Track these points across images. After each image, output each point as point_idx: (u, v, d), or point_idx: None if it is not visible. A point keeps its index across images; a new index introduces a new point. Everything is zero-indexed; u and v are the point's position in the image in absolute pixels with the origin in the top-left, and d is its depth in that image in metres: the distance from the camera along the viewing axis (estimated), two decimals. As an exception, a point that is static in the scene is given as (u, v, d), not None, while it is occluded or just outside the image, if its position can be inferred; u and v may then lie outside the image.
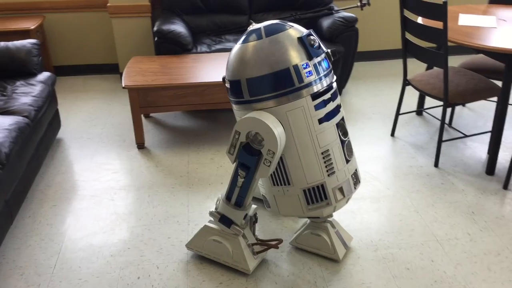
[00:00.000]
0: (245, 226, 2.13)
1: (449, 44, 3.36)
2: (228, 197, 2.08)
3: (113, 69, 4.54)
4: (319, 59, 1.88)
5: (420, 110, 3.57)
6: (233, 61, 1.90)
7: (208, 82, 3.02)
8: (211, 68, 3.23)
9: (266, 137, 1.83)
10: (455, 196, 2.64)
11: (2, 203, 2.28)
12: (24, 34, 3.83)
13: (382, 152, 3.10)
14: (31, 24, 3.94)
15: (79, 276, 2.14)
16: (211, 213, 2.13)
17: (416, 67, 4.53)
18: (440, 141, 2.89)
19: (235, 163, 1.98)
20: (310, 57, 1.84)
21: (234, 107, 1.99)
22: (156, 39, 3.55)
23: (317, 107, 1.88)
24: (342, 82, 3.87)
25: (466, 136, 3.01)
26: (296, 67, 1.81)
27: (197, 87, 3.06)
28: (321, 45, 1.93)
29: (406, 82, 3.10)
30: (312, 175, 1.95)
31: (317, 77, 1.86)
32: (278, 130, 1.82)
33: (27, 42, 3.16)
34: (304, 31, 1.89)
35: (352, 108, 3.73)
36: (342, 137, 1.98)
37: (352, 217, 2.50)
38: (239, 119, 1.88)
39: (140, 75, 3.12)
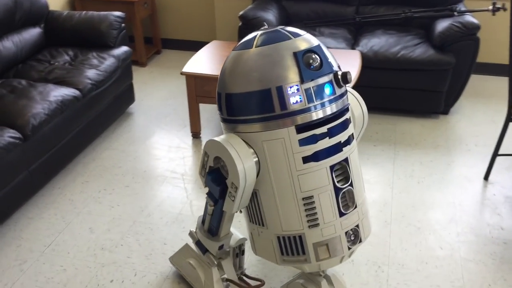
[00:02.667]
0: (224, 257, 1.86)
1: None
2: (203, 220, 1.82)
3: (217, 48, 4.46)
4: (317, 82, 1.47)
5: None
6: (221, 70, 1.61)
7: (267, 80, 2.71)
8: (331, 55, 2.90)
9: (229, 168, 1.51)
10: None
11: (25, 173, 2.35)
12: (128, 4, 3.92)
13: (461, 198, 2.48)
14: (139, -4, 4.03)
15: (62, 262, 2.10)
16: (190, 233, 1.90)
17: None
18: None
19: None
20: (302, 80, 1.45)
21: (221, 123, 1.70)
22: (240, 24, 3.33)
23: (303, 143, 1.49)
24: (450, 98, 3.20)
25: None
26: (280, 89, 1.44)
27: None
28: (328, 64, 1.51)
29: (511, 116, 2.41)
30: (288, 222, 1.58)
31: (308, 105, 1.46)
32: (245, 163, 1.48)
33: (111, 14, 3.20)
34: (307, 45, 1.50)
35: (453, 133, 3.07)
36: (337, 184, 1.56)
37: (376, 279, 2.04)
38: (209, 139, 1.59)
39: (206, 61, 2.95)
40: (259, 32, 1.56)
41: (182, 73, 2.83)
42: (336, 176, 1.55)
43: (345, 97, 1.56)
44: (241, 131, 1.52)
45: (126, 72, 3.20)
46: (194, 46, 4.48)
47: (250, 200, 1.62)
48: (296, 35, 1.52)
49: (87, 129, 2.84)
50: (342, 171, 1.57)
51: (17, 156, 2.26)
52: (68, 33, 3.18)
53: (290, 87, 1.44)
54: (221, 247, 1.81)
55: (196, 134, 3.06)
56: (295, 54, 1.46)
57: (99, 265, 2.08)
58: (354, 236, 1.62)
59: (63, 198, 2.51)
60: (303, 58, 1.46)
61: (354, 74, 2.73)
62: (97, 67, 2.91)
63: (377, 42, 3.19)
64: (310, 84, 1.45)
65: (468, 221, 2.32)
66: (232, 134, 1.54)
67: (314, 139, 1.48)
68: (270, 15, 3.33)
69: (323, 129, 1.49)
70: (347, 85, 1.82)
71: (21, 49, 2.99)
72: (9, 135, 2.21)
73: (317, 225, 1.55)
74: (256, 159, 1.51)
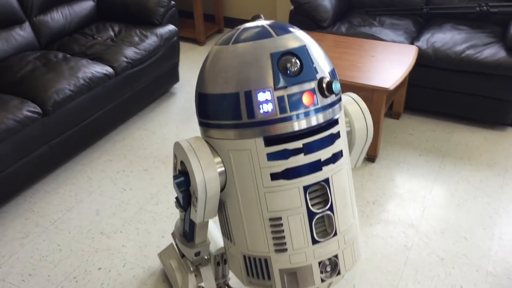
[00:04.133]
0: (204, 264, 1.73)
1: None
2: (179, 224, 1.71)
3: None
4: (292, 90, 1.27)
5: None
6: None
7: (301, 72, 2.50)
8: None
9: (190, 176, 1.37)
10: None
11: (46, 147, 2.39)
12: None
13: (505, 230, 2.12)
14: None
15: (61, 242, 2.11)
16: (172, 234, 1.80)
17: None
18: None
19: None
20: (274, 86, 1.26)
21: None
22: (291, 8, 3.11)
23: (272, 157, 1.30)
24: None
25: None
26: (248, 94, 1.26)
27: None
28: (311, 70, 1.29)
29: None
30: (254, 242, 1.41)
31: (280, 116, 1.27)
32: (206, 173, 1.33)
33: (160, -9, 3.14)
34: (288, 46, 1.29)
35: (519, 149, 2.65)
36: (311, 207, 1.35)
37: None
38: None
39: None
40: (242, 26, 1.38)
41: (216, 58, 2.69)
42: (311, 198, 1.35)
43: (332, 108, 1.34)
44: (210, 136, 1.37)
45: (170, 52, 3.14)
46: (257, 27, 4.31)
47: (219, 211, 1.47)
48: (281, 32, 1.32)
49: (122, 107, 2.83)
50: (320, 193, 1.37)
51: (36, 130, 2.30)
52: (118, 8, 3.18)
53: (261, 93, 1.25)
54: (197, 254, 1.69)
55: (229, 122, 2.94)
56: (272, 56, 1.26)
57: (93, 250, 2.06)
58: (331, 268, 1.42)
59: (82, 175, 2.53)
60: (279, 61, 1.26)
61: (400, 73, 2.43)
62: (136, 45, 2.87)
63: (441, 38, 2.82)
64: (284, 92, 1.26)
65: (505, 259, 1.97)
66: (199, 138, 1.39)
67: (285, 154, 1.29)
68: (326, 1, 3.07)
69: (297, 143, 1.29)
70: (348, 94, 1.58)
71: (70, 21, 3.04)
72: (28, 109, 2.25)
73: (284, 250, 1.37)
74: (222, 169, 1.35)
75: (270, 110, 1.26)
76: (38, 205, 2.32)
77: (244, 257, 1.45)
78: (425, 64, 2.77)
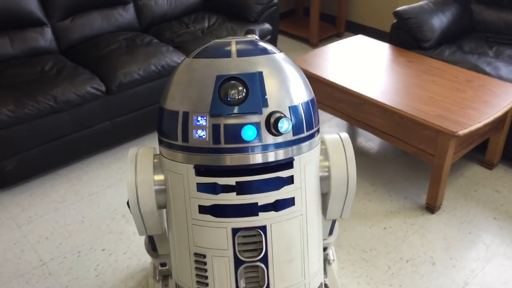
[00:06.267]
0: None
1: None
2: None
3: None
4: (231, 121, 1.12)
5: None
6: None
7: (366, 96, 2.23)
8: (405, 85, 2.35)
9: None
10: None
11: (108, 123, 2.54)
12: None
13: None
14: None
15: (86, 214, 2.24)
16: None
17: None
18: None
19: None
20: (211, 111, 1.12)
21: None
22: (394, 21, 2.79)
23: (201, 189, 1.18)
24: None
25: None
26: (186, 116, 1.15)
27: (352, 96, 2.32)
28: (258, 102, 1.12)
29: None
30: (182, 274, 1.30)
31: (213, 146, 1.13)
32: (140, 189, 1.25)
33: (262, -12, 3.07)
34: (238, 70, 1.14)
35: None
36: (239, 254, 1.20)
37: None
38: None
39: (330, 57, 2.60)
40: (214, 40, 1.26)
41: (289, 65, 2.56)
42: (241, 243, 1.20)
43: (286, 149, 1.16)
44: (160, 152, 1.29)
45: (260, 50, 3.07)
46: (379, 35, 3.99)
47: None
48: (245, 53, 1.17)
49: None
50: (254, 240, 1.20)
51: (99, 106, 2.45)
52: (221, 0, 3.21)
53: (197, 118, 1.14)
54: (163, 265, 1.64)
55: (296, 133, 2.78)
56: (217, 78, 1.13)
57: (108, 230, 2.14)
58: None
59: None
60: (222, 86, 1.12)
61: (485, 117, 2.01)
62: (222, 40, 2.87)
63: None
64: (222, 121, 1.12)
65: None
66: (150, 151, 1.32)
67: (215, 189, 1.16)
68: (436, 19, 2.69)
69: (230, 180, 1.15)
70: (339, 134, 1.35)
71: (173, 8, 3.16)
72: (93, 86, 2.40)
73: (206, 291, 1.24)
74: (161, 187, 1.27)
75: (203, 137, 1.13)
76: (88, 175, 2.49)
77: (176, 284, 1.35)
78: (534, 111, 2.26)
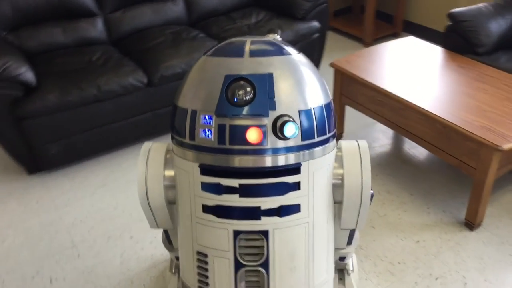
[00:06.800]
0: (189, 270, 1.68)
1: None
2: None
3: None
4: (234, 121, 1.10)
5: None
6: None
7: (407, 101, 2.13)
8: (452, 91, 2.22)
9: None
10: None
11: (149, 114, 2.60)
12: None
13: None
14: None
15: (121, 201, 2.30)
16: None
17: None
18: None
19: None
20: (217, 111, 1.11)
21: None
22: (448, 23, 2.64)
23: (206, 188, 1.17)
24: None
25: None
26: (194, 114, 1.15)
27: (394, 101, 2.22)
28: (264, 105, 1.09)
29: None
30: (186, 270, 1.31)
31: (218, 146, 1.12)
32: (149, 184, 1.26)
33: (314, -15, 3.01)
34: (249, 71, 1.11)
35: None
36: (239, 257, 1.18)
37: None
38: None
39: (373, 57, 2.51)
40: (230, 39, 1.25)
41: (331, 65, 2.50)
42: (243, 246, 1.18)
43: (295, 153, 1.13)
44: (172, 149, 1.29)
45: (307, 49, 3.03)
46: (439, 37, 3.81)
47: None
48: (258, 54, 1.15)
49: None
50: (256, 244, 1.18)
51: (141, 97, 2.51)
52: (273, -4, 3.18)
53: (204, 117, 1.13)
54: (178, 258, 1.65)
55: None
56: (225, 78, 1.12)
57: (139, 218, 2.19)
58: (256, 332, 1.23)
59: (176, 148, 2.68)
60: (229, 86, 1.11)
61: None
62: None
63: None
64: (228, 121, 1.10)
65: None
66: (162, 146, 1.32)
67: (219, 189, 1.15)
68: (494, 23, 2.52)
69: (233, 182, 1.14)
70: (345, 140, 1.29)
71: (223, 3, 3.17)
72: (135, 77, 2.46)
73: (206, 292, 1.24)
74: (172, 183, 1.28)
75: (208, 136, 1.12)
76: (128, 162, 2.56)
77: (183, 282, 1.36)
78: None
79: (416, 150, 2.61)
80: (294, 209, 1.16)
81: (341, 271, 1.70)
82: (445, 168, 2.45)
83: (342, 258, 1.61)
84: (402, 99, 2.15)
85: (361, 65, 2.44)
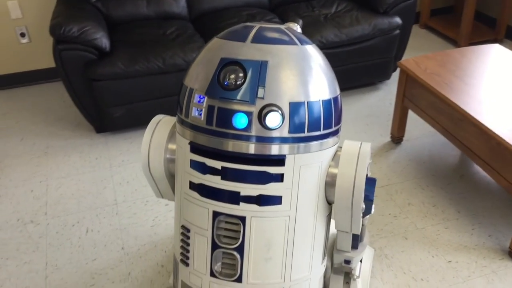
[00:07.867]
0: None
1: None
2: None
3: None
4: (223, 104, 1.11)
5: None
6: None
7: (464, 111, 1.97)
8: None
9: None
10: None
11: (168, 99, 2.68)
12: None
13: None
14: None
15: (143, 175, 2.41)
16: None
17: None
18: None
19: None
20: (207, 92, 1.13)
21: None
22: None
23: (193, 165, 1.21)
24: None
25: None
26: (191, 92, 1.19)
27: (452, 109, 2.06)
28: (253, 92, 1.09)
29: None
30: (175, 242, 1.36)
31: (206, 126, 1.15)
32: (152, 154, 1.32)
33: (401, -21, 2.86)
34: (244, 56, 1.12)
35: None
36: (216, 238, 1.20)
37: None
38: None
39: (453, 61, 2.35)
40: (242, 24, 1.26)
41: (398, 64, 2.38)
42: (219, 228, 1.21)
43: (280, 145, 1.12)
44: (176, 125, 1.34)
45: (385, 45, 2.90)
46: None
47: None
48: (261, 40, 1.15)
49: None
50: (233, 228, 1.20)
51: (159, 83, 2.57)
52: (358, -13, 3.08)
53: (199, 96, 1.17)
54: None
55: (397, 139, 2.59)
56: (220, 61, 1.14)
57: (143, 202, 2.29)
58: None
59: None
60: (223, 69, 1.13)
61: None
62: (341, 28, 2.77)
63: None
64: (216, 103, 1.13)
65: None
66: (171, 120, 1.38)
67: (204, 169, 1.19)
68: None
69: (216, 164, 1.17)
70: (344, 138, 1.24)
71: (306, -10, 3.13)
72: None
73: (187, 264, 1.30)
74: (173, 157, 1.33)
75: (198, 115, 1.16)
76: (119, 159, 2.54)
77: (174, 254, 1.42)
78: None
79: (479, 167, 2.40)
80: (274, 200, 1.16)
81: (347, 275, 1.65)
82: (505, 190, 2.24)
83: (347, 262, 1.56)
84: (459, 107, 1.99)
85: (429, 68, 2.30)
